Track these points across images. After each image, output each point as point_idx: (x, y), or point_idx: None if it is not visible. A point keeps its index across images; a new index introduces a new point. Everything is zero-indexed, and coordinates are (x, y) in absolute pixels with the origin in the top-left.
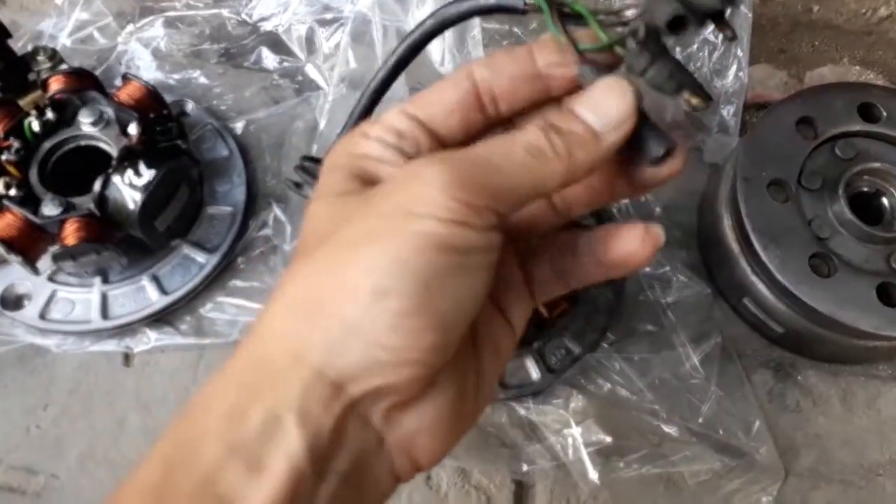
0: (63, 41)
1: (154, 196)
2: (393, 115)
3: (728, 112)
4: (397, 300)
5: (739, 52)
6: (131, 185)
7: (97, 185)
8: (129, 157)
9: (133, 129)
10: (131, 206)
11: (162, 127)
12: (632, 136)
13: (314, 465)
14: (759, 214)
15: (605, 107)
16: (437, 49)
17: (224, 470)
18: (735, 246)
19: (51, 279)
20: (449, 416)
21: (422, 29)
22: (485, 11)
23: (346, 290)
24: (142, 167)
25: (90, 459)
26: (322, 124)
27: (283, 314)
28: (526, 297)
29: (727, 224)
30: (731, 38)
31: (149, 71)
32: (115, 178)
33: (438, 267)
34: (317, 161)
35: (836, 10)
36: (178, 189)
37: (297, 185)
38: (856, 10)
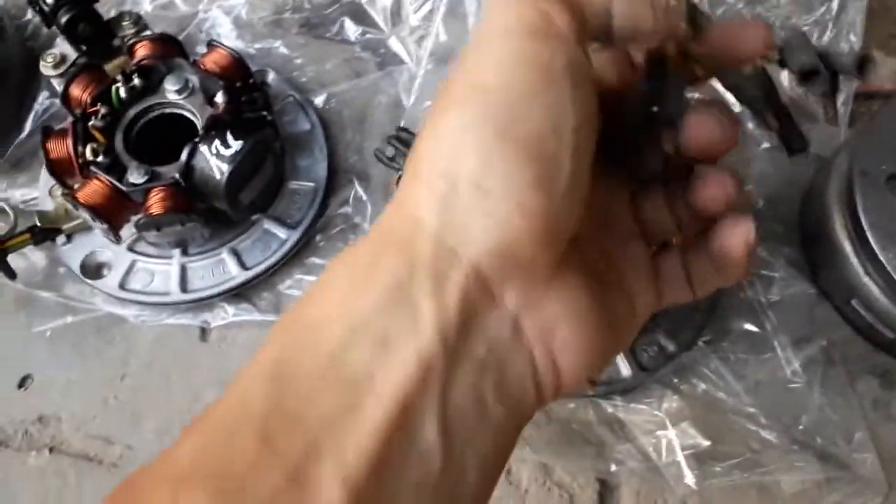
0: (145, 7)
1: (241, 167)
2: None
3: (837, 101)
4: (481, 128)
5: (852, 37)
6: (218, 156)
7: (184, 155)
8: (215, 127)
9: (220, 97)
10: (218, 176)
11: (247, 97)
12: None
13: (445, 345)
14: (877, 210)
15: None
16: None
17: (347, 350)
18: (846, 244)
19: (130, 249)
20: (589, 315)
21: None
22: None
23: (438, 137)
24: (229, 137)
25: (166, 433)
26: (411, 100)
27: (404, 183)
28: (651, 288)
29: (838, 220)
30: (831, 120)
31: (229, 39)
32: (203, 148)
33: (518, 82)
34: (412, 133)
35: None
36: (264, 162)
37: (390, 158)
38: None
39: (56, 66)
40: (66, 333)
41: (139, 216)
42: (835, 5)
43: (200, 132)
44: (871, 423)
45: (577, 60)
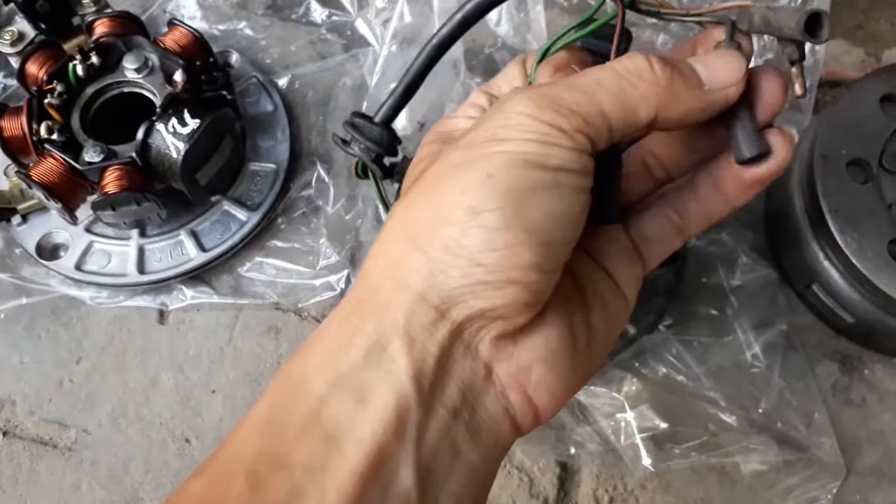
0: None
1: (198, 146)
2: (475, 95)
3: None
4: (490, 215)
5: None
6: (175, 134)
7: (140, 133)
8: (173, 105)
9: (179, 76)
10: (174, 155)
11: (207, 76)
12: (728, 131)
13: (420, 395)
14: (836, 195)
15: (717, 66)
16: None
17: (329, 403)
18: (807, 228)
19: (88, 230)
20: (562, 354)
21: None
22: None
23: (443, 213)
24: (186, 116)
25: (122, 416)
26: (373, 81)
27: (386, 246)
28: (636, 263)
29: (799, 205)
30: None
31: (193, 20)
32: (159, 126)
33: (528, 181)
34: (367, 118)
35: None
36: (222, 141)
37: (345, 142)
38: None
39: (13, 44)
40: (21, 315)
41: (95, 195)
42: None
43: (158, 110)
44: (830, 408)
45: (582, 164)
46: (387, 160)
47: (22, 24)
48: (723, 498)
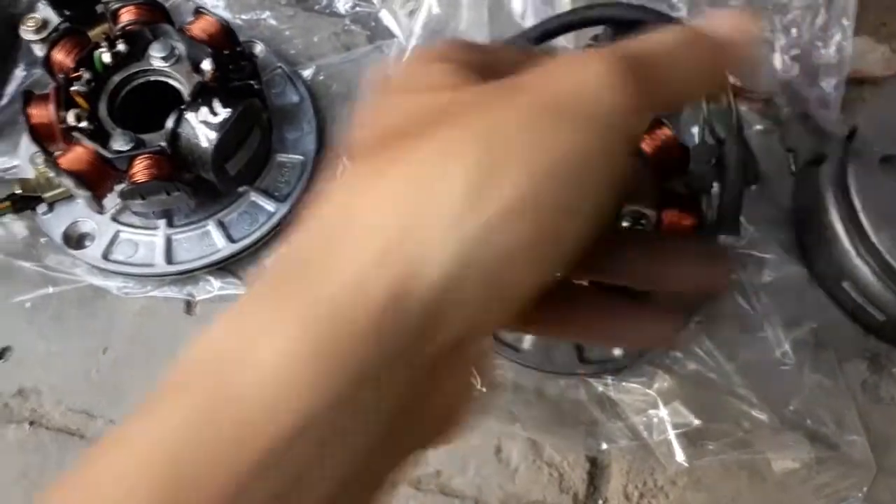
0: None
1: (228, 136)
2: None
3: (829, 85)
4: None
5: (844, 21)
6: (206, 123)
7: (170, 122)
8: (203, 94)
9: (207, 65)
10: (205, 144)
11: (235, 65)
12: None
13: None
14: (870, 192)
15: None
16: (518, 1)
17: None
18: (839, 225)
19: (114, 219)
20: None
21: (557, 21)
22: (638, 22)
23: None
24: (217, 105)
25: None
26: None
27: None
28: None
29: (831, 202)
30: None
31: (216, 9)
32: (189, 115)
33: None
34: None
35: None
36: (251, 132)
37: None
38: None
39: (37, 31)
40: (47, 305)
41: (123, 185)
42: None
43: (187, 99)
44: (860, 406)
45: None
46: None
47: (46, 12)
48: (754, 495)
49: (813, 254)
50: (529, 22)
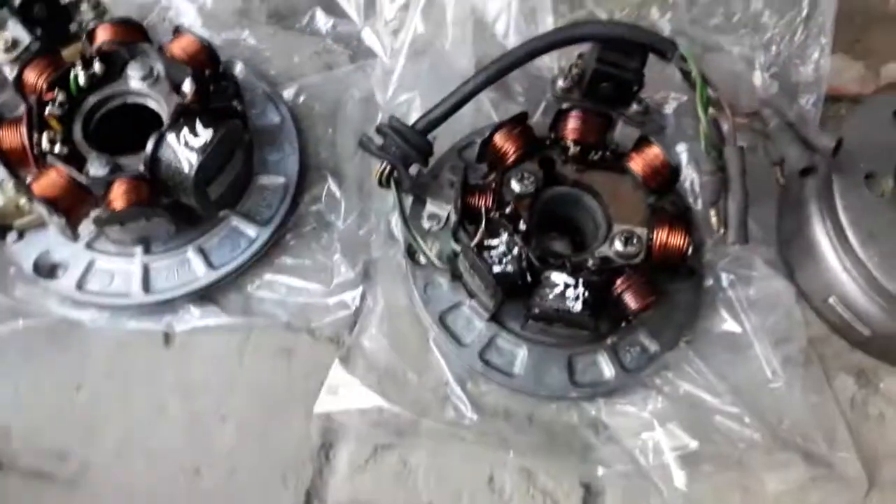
0: None
1: (210, 159)
2: None
3: (807, 102)
4: None
5: (822, 39)
6: (187, 146)
7: (149, 145)
8: (183, 116)
9: (188, 85)
10: (186, 168)
11: (216, 86)
12: None
13: None
14: (856, 209)
15: None
16: (502, 21)
17: None
18: (825, 241)
19: (89, 247)
20: None
21: (546, 39)
22: (628, 42)
23: None
24: (198, 127)
25: (127, 446)
26: (389, 92)
27: None
28: None
29: (816, 219)
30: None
31: (194, 29)
32: (170, 138)
33: None
34: (404, 123)
35: None
36: (234, 154)
37: (379, 147)
38: None
39: (7, 51)
40: (15, 339)
41: (100, 211)
42: (805, 8)
43: (167, 121)
44: (849, 422)
45: None
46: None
47: (16, 30)
48: None
49: (798, 270)
50: (512, 41)
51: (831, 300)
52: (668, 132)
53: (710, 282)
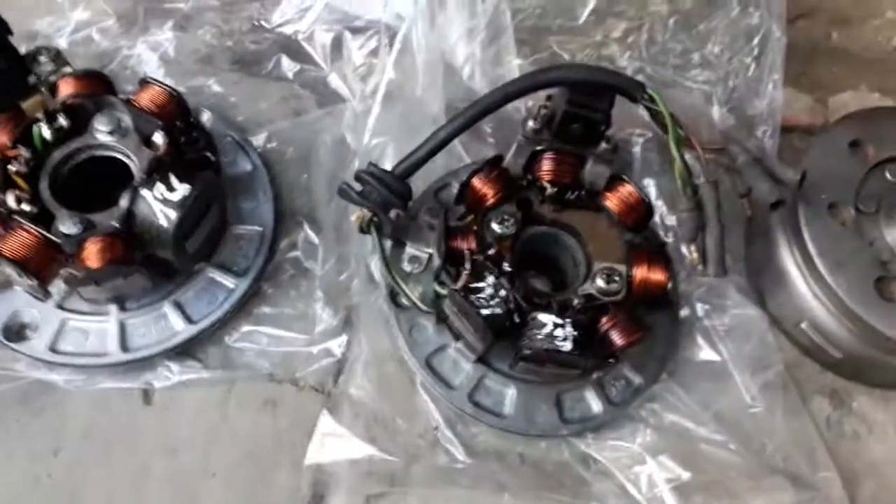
0: (57, 41)
1: (189, 213)
2: None
3: (763, 134)
4: None
5: (775, 75)
6: (164, 201)
7: (124, 201)
8: (158, 170)
9: (159, 138)
10: (164, 223)
11: (188, 137)
12: None
13: None
14: (822, 238)
15: None
16: (468, 65)
17: None
18: (794, 270)
19: (60, 307)
20: None
21: (518, 84)
22: (598, 84)
23: None
24: (174, 181)
25: None
26: (365, 138)
27: None
28: None
29: (784, 249)
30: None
31: (156, 77)
32: (144, 193)
33: None
34: (385, 171)
35: (853, 38)
36: (210, 207)
37: (358, 193)
38: (872, 38)
39: None
40: None
41: (75, 270)
42: (756, 46)
43: (141, 176)
44: (827, 442)
45: None
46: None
47: None
48: None
49: (769, 297)
50: (479, 84)
51: (803, 325)
52: (634, 168)
53: (685, 312)
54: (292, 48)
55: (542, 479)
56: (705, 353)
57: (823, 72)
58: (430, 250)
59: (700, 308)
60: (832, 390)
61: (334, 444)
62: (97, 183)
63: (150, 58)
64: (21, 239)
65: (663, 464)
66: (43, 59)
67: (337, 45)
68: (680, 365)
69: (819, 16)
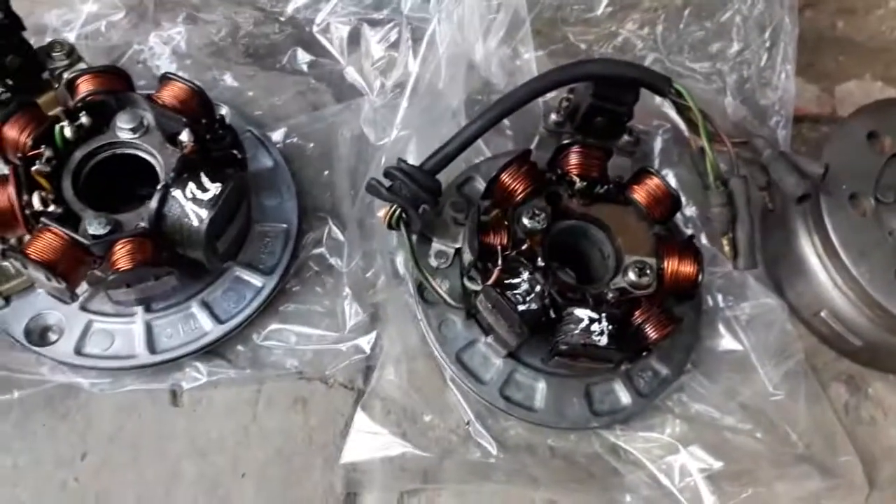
0: (66, 35)
1: (220, 212)
2: None
3: (776, 124)
4: None
5: (787, 66)
6: (195, 201)
7: (154, 202)
8: (187, 170)
9: (186, 136)
10: (196, 223)
11: (213, 134)
12: None
13: None
14: (844, 228)
15: None
16: (487, 57)
17: None
18: (814, 260)
19: (84, 308)
20: None
21: (548, 79)
22: (625, 79)
23: None
24: (205, 180)
25: None
26: (393, 134)
27: None
28: None
29: (805, 238)
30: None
31: (169, 72)
32: (175, 193)
33: None
34: (414, 167)
35: (858, 28)
36: (240, 205)
37: (388, 189)
38: (876, 27)
39: None
40: (8, 411)
41: (104, 272)
42: (768, 37)
43: (170, 175)
44: (845, 428)
45: None
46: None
47: None
48: None
49: (787, 286)
50: (497, 77)
51: (823, 314)
52: (654, 159)
53: (706, 302)
54: (306, 40)
55: (574, 471)
56: (727, 343)
57: (829, 61)
58: (457, 245)
59: (721, 298)
60: (848, 377)
61: (368, 441)
62: (118, 181)
63: (162, 52)
64: (48, 241)
65: (695, 453)
66: (56, 54)
67: (353, 38)
68: (703, 355)
69: (825, 6)
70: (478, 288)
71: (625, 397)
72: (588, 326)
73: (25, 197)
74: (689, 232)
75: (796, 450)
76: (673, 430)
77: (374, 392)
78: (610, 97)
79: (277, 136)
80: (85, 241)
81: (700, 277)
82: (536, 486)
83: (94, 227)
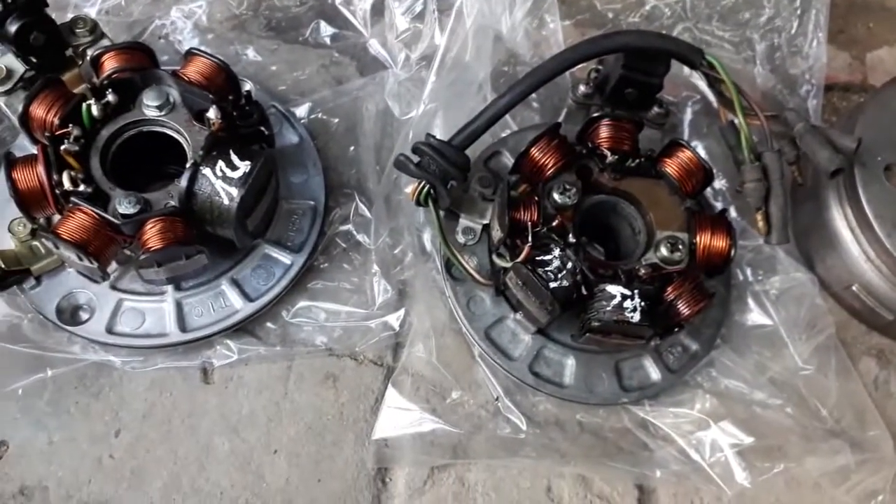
0: (88, 10)
1: (251, 190)
2: None
3: (807, 93)
4: None
5: (819, 34)
6: (225, 179)
7: (184, 180)
8: (216, 147)
9: (213, 113)
10: (227, 202)
11: (240, 111)
12: None
13: None
14: (879, 200)
15: None
16: (513, 28)
17: None
18: (846, 233)
19: (114, 287)
20: None
21: (579, 51)
22: (657, 51)
23: None
24: (234, 158)
25: (175, 491)
26: (420, 109)
27: None
28: None
29: (836, 211)
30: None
31: (192, 46)
32: (206, 171)
33: None
34: (443, 142)
35: None
36: (269, 182)
37: (416, 164)
38: None
39: (1, 83)
40: (42, 390)
41: (134, 251)
42: (798, 3)
43: (199, 153)
44: (875, 401)
45: None
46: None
47: (8, 60)
48: (790, 499)
49: (818, 260)
50: (523, 48)
51: (854, 288)
52: (683, 131)
53: (737, 278)
54: (329, 13)
55: (603, 446)
56: (757, 318)
57: (860, 28)
58: (484, 221)
59: (750, 273)
60: (879, 351)
61: (398, 417)
62: (143, 159)
63: (184, 26)
64: (79, 221)
65: (725, 429)
66: (80, 30)
67: (377, 10)
68: (733, 330)
69: None
70: (507, 265)
71: (654, 373)
72: (621, 303)
73: (55, 177)
74: (718, 205)
75: (826, 424)
76: (703, 406)
77: (403, 368)
78: (641, 68)
79: (301, 111)
80: (115, 221)
81: (733, 253)
82: (566, 462)
83: (125, 206)
